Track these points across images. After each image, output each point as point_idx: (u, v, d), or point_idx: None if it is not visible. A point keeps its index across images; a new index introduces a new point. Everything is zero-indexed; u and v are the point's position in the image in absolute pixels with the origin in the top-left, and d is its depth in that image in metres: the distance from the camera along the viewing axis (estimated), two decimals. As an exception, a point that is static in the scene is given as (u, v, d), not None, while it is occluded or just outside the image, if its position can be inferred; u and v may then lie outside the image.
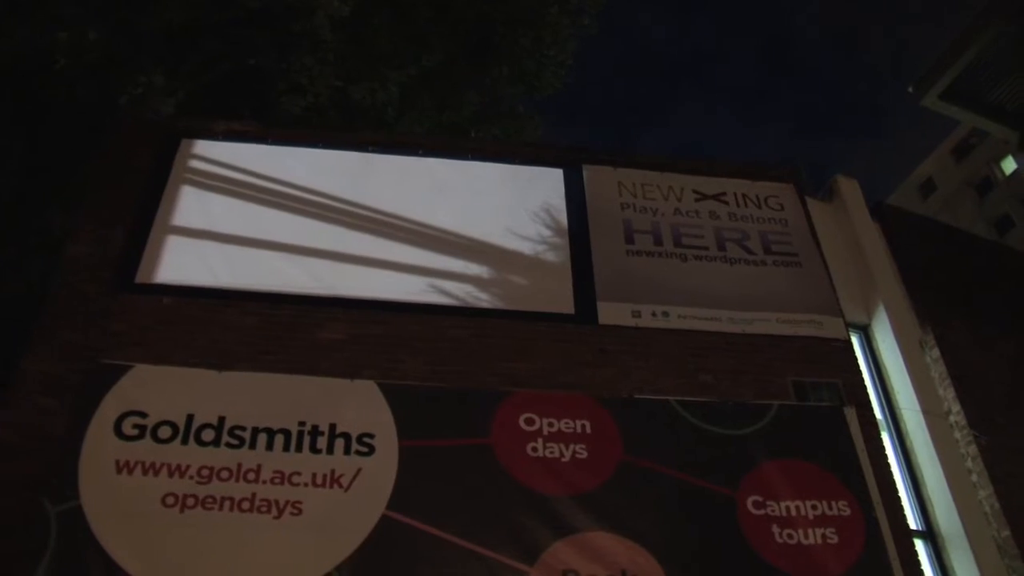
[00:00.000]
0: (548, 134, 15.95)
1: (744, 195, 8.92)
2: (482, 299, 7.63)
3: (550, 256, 8.01)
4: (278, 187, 8.07)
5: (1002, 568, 7.11)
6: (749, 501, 6.76)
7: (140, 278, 7.25)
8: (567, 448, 6.75)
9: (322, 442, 6.49)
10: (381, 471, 6.43)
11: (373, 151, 8.55)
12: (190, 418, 6.44)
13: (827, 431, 7.35)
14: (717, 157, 8.86)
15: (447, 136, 13.44)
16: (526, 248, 8.01)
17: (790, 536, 6.66)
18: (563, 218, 8.30)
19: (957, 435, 7.86)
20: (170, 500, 6.06)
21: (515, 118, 14.76)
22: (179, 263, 7.41)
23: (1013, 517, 7.42)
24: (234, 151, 8.27)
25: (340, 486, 6.32)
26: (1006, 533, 7.29)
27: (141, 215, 7.62)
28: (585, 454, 6.74)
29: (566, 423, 6.87)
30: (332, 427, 6.56)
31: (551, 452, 6.71)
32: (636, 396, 7.14)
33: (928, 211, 35.45)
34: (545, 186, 8.52)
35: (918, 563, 6.92)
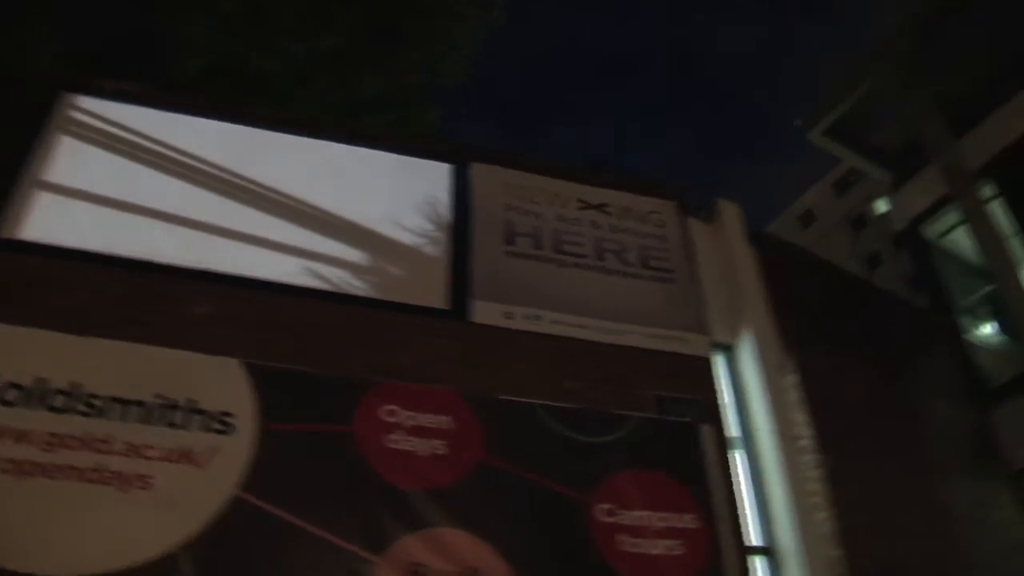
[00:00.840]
0: (453, 126, 15.98)
1: (628, 208, 9.08)
2: (357, 286, 7.58)
3: (429, 250, 8.01)
4: (162, 152, 7.83)
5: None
6: (601, 508, 6.90)
7: (3, 234, 6.93)
8: (426, 443, 6.75)
9: (179, 417, 6.30)
10: (239, 452, 6.28)
11: (264, 127, 8.39)
12: (41, 382, 6.17)
13: (682, 446, 7.57)
14: (606, 168, 9.02)
15: (342, 118, 13.28)
16: (406, 239, 8.00)
17: (637, 545, 6.83)
18: (446, 213, 8.31)
19: (805, 458, 8.14)
20: (9, 467, 5.82)
21: (414, 106, 14.71)
22: (47, 221, 7.11)
23: (845, 538, 7.76)
24: (120, 111, 7.96)
25: (194, 464, 6.16)
26: (837, 553, 7.61)
27: (8, 168, 7.30)
28: (444, 450, 6.75)
29: (428, 418, 6.87)
30: (191, 403, 6.37)
31: (410, 445, 6.70)
32: (502, 397, 7.19)
33: (806, 241, 36.74)
34: (432, 179, 8.52)
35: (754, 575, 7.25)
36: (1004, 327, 11.88)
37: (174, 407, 6.34)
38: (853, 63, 12.82)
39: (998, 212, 11.31)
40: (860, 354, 10.06)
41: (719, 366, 8.53)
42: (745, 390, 8.51)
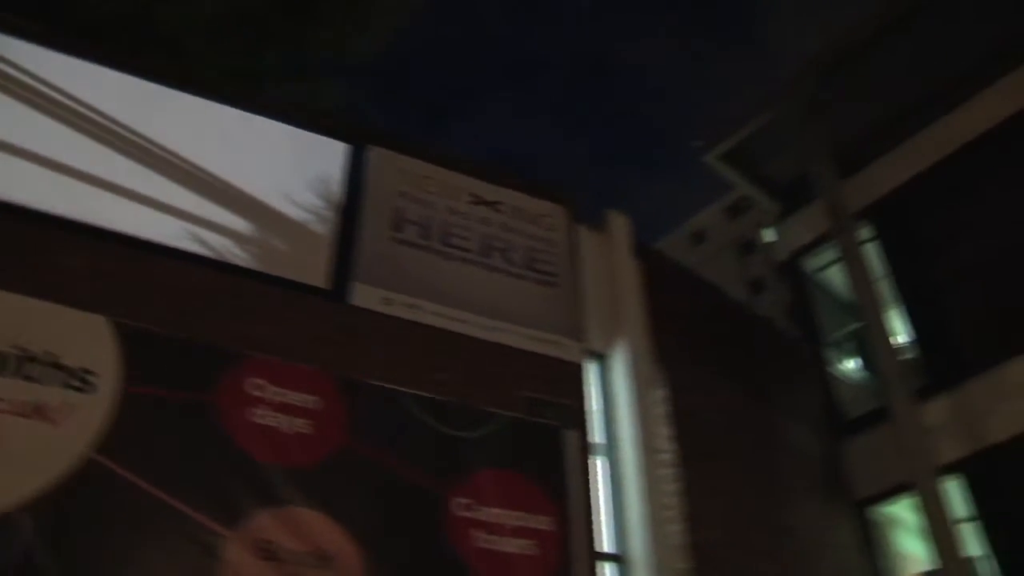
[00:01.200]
0: (357, 108, 15.79)
1: (519, 208, 9.18)
2: (239, 256, 7.47)
3: (316, 227, 7.94)
4: (52, 96, 7.53)
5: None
6: (458, 502, 6.97)
7: None
8: (291, 421, 6.69)
9: (37, 371, 6.08)
10: (96, 412, 6.09)
11: (163, 83, 8.16)
12: None
13: (546, 449, 7.70)
14: (503, 166, 9.06)
15: (243, 85, 13.04)
16: (294, 214, 7.91)
17: (490, 541, 6.92)
18: (337, 193, 8.25)
19: (665, 471, 8.37)
20: None
21: (318, 82, 14.53)
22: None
23: (695, 551, 8.03)
24: (12, 47, 7.59)
25: (48, 420, 5.96)
26: (686, 565, 7.85)
27: None
28: (309, 430, 6.71)
29: (296, 396, 6.81)
30: (51, 356, 6.16)
31: (274, 421, 6.63)
32: (372, 382, 7.19)
33: (694, 260, 37.52)
34: (327, 158, 8.44)
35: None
36: (866, 364, 12.42)
37: (32, 359, 6.12)
38: (758, 94, 13.19)
39: (872, 254, 11.80)
40: (729, 375, 10.39)
41: (591, 373, 8.70)
42: (614, 399, 8.70)
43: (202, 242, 7.37)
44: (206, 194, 7.65)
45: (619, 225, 9.81)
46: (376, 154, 8.69)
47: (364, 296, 7.69)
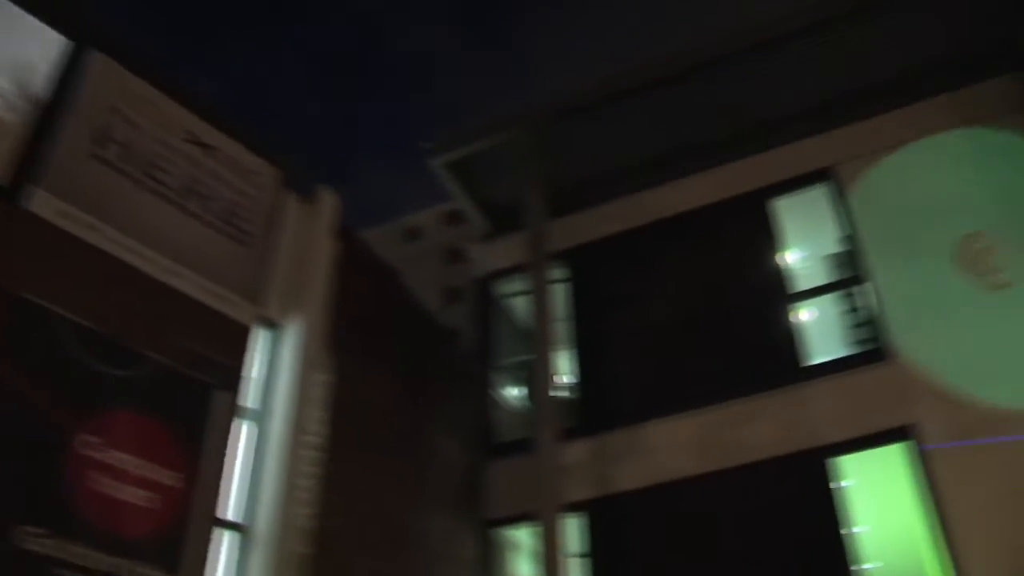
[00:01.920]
0: (107, 9, 14.54)
1: (234, 159, 8.87)
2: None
3: (7, 116, 7.22)
4: None
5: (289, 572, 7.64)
6: (84, 439, 6.55)
7: None
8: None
9: None
10: None
11: None
12: None
13: (194, 404, 7.45)
14: (230, 112, 8.68)
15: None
16: (-19, 92, 7.16)
17: (108, 486, 6.57)
18: (41, 84, 7.54)
19: (309, 453, 8.34)
20: None
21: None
22: None
23: (319, 538, 8.04)
24: None
25: None
26: (307, 551, 7.85)
27: None
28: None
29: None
30: None
31: None
32: (24, 294, 6.64)
33: (401, 257, 37.88)
34: (43, 45, 7.68)
35: (218, 549, 7.34)
36: (527, 395, 13.04)
37: None
38: (500, 112, 13.52)
39: (559, 294, 12.45)
40: (396, 374, 10.56)
41: (260, 340, 8.54)
42: (276, 371, 8.58)
43: None
44: None
45: (328, 202, 9.72)
46: (99, 60, 8.03)
47: (42, 203, 7.05)
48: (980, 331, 10.20)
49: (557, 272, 12.63)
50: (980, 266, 10.61)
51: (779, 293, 11.61)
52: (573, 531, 10.58)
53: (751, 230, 12.22)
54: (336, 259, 9.54)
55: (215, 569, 7.29)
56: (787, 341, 11.24)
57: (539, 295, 11.41)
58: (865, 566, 9.52)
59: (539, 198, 12.36)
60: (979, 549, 9.00)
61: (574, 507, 10.54)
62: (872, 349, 10.84)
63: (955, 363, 10.08)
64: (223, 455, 7.56)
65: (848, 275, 11.89)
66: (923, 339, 10.42)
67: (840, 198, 11.85)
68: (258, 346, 8.48)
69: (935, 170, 11.50)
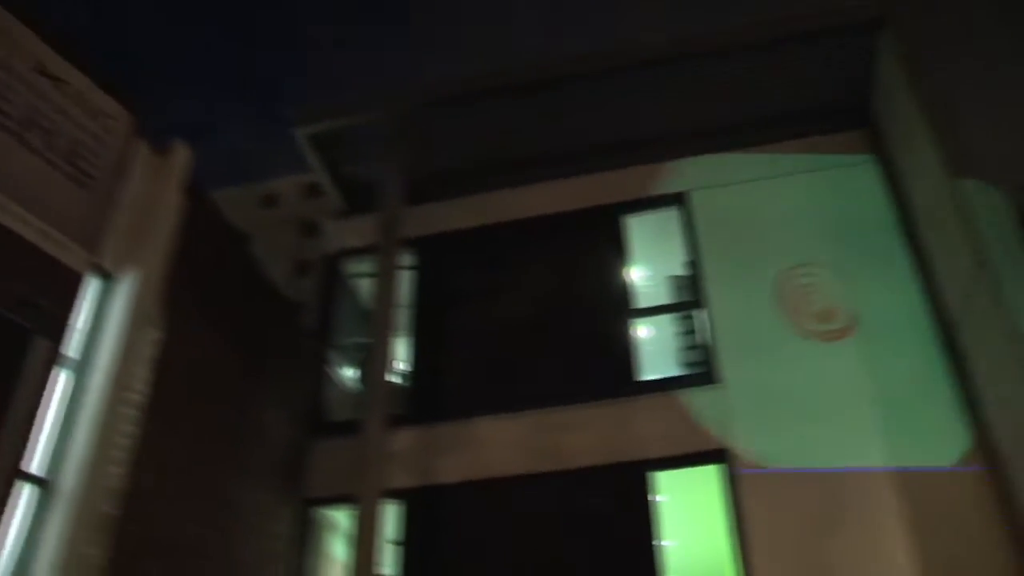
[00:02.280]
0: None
1: (84, 97, 8.48)
2: None
3: None
4: None
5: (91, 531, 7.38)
6: None
7: None
8: None
9: None
10: None
11: None
12: None
13: (9, 348, 7.10)
14: (88, 47, 8.26)
15: None
16: None
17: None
18: None
19: (128, 411, 8.08)
20: None
21: None
22: None
23: (127, 500, 7.83)
24: None
25: None
26: (113, 511, 7.62)
27: None
28: None
29: None
30: None
31: None
32: None
33: (255, 221, 37.05)
34: None
35: (16, 503, 7.04)
36: (361, 378, 12.98)
37: None
38: (373, 90, 13.42)
39: (405, 281, 12.42)
40: (231, 341, 10.35)
41: (91, 289, 8.19)
42: (104, 323, 8.27)
43: None
44: None
45: (181, 156, 9.41)
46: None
47: None
48: (792, 367, 10.74)
49: (407, 259, 12.61)
50: (801, 304, 11.20)
51: (621, 307, 11.90)
52: (391, 517, 10.59)
53: (602, 242, 12.51)
54: (182, 216, 9.25)
55: (10, 523, 6.96)
56: (623, 354, 11.52)
57: (385, 279, 11.36)
58: (671, 578, 9.90)
59: (398, 182, 12.31)
60: (775, 573, 9.47)
61: (394, 494, 10.55)
62: (700, 372, 11.26)
63: (771, 395, 10.59)
64: (35, 405, 7.22)
65: (687, 299, 12.32)
66: (744, 369, 10.90)
67: (688, 223, 12.25)
68: (88, 295, 8.15)
69: (775, 208, 12.05)
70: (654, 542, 9.99)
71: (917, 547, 9.33)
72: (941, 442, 9.89)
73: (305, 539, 11.18)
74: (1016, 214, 9.36)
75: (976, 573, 9.10)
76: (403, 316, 12.22)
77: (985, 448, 9.66)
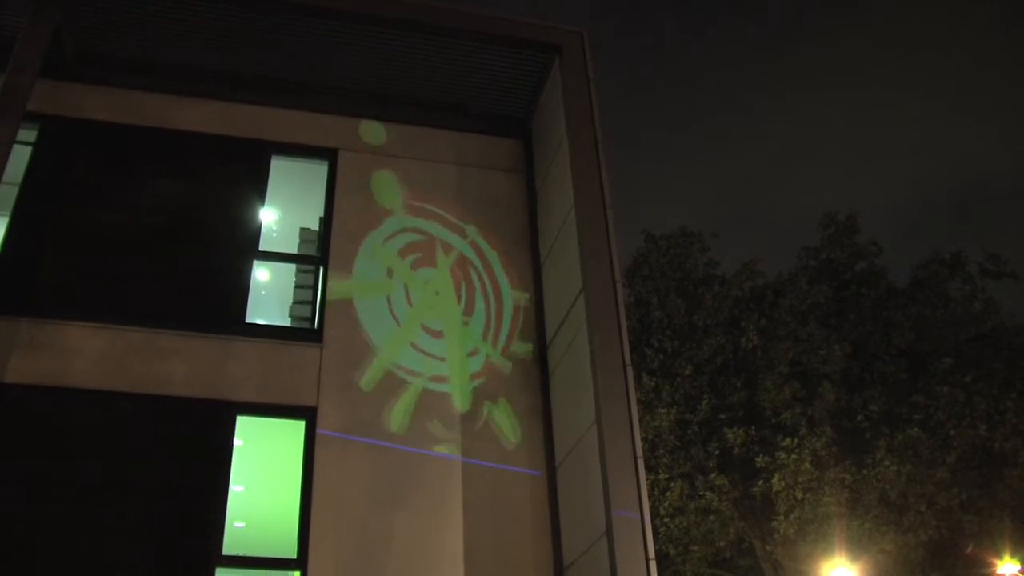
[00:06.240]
0: None
1: None
2: None
3: None
4: None
5: None
6: None
7: None
8: None
9: None
10: None
11: None
12: None
13: None
14: None
15: None
16: None
17: None
18: None
19: None
20: None
21: None
22: None
23: None
24: None
25: None
26: None
27: None
28: None
29: None
30: None
31: None
32: None
33: None
34: None
35: None
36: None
37: None
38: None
39: (19, 157, 11.00)
40: None
41: None
42: None
43: None
44: None
45: None
46: None
47: None
48: (391, 346, 11.12)
49: (27, 134, 11.30)
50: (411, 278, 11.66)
51: (246, 245, 11.58)
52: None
53: (243, 176, 12.09)
54: None
55: None
56: (235, 292, 11.25)
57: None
58: (234, 524, 9.82)
59: (37, 46, 11.00)
60: (330, 533, 9.79)
61: None
62: (306, 328, 11.30)
63: (364, 364, 10.88)
64: None
65: (313, 254, 12.30)
66: (342, 334, 11.09)
67: (332, 181, 12.19)
68: None
69: (420, 189, 12.37)
70: (224, 485, 9.88)
71: (471, 529, 10.12)
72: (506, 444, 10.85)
73: None
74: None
75: (517, 556, 10.20)
76: (5, 194, 10.94)
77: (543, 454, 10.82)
